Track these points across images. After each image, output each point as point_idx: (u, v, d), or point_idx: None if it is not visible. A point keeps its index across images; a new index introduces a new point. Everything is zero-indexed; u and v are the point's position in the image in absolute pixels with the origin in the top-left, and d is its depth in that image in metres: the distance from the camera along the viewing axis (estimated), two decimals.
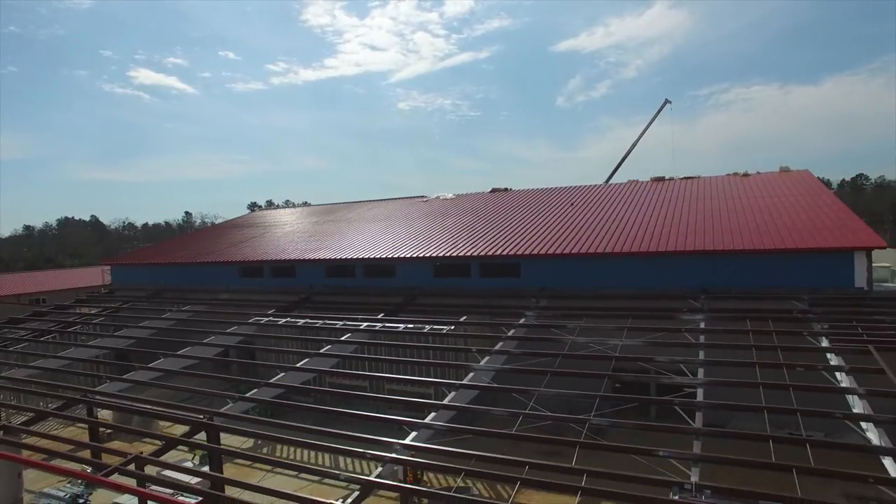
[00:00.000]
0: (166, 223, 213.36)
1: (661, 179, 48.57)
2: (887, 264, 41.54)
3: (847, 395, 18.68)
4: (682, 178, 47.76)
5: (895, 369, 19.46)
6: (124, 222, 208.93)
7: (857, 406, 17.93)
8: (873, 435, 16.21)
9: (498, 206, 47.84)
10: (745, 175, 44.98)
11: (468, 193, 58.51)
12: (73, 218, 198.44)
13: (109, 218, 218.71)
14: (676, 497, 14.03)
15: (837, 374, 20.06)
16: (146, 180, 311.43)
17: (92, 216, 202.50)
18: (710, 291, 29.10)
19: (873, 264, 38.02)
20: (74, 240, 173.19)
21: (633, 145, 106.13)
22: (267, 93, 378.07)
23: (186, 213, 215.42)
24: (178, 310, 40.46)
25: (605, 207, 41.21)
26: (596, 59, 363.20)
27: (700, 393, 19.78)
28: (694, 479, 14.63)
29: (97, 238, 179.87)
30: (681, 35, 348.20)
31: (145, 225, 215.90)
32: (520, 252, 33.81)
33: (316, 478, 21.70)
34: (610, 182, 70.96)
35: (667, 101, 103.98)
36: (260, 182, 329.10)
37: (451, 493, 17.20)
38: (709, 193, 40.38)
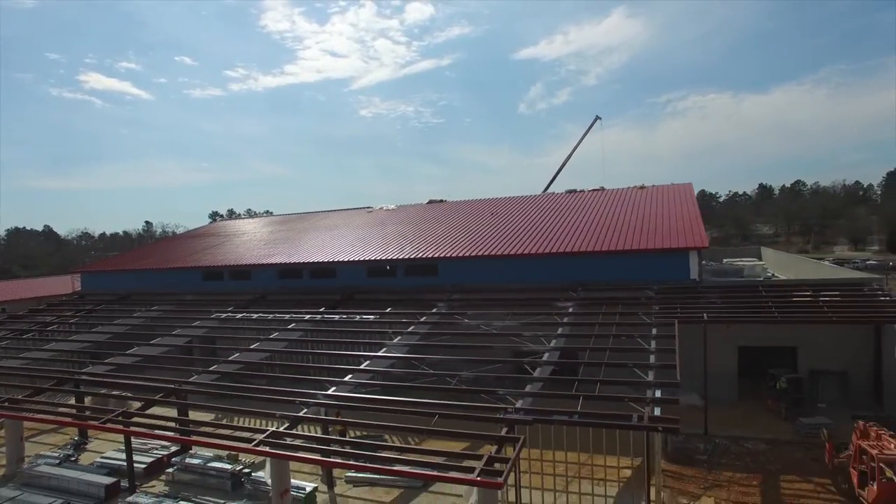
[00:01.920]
0: (125, 233, 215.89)
1: (573, 191, 57.26)
2: (763, 263, 50.59)
3: (650, 353, 26.30)
4: (590, 190, 56.49)
5: (686, 335, 28.57)
6: (81, 232, 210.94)
7: (651, 359, 25.66)
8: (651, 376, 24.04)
9: (430, 216, 56.76)
10: (642, 187, 53.86)
11: (407, 205, 67.34)
12: (24, 228, 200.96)
13: (63, 228, 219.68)
14: (501, 416, 21.61)
15: (653, 341, 27.71)
16: (101, 189, 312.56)
17: (45, 226, 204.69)
18: (585, 284, 37.62)
19: (761, 263, 47.58)
20: (28, 250, 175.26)
21: (568, 158, 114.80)
22: (226, 99, 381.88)
23: (147, 222, 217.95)
24: (147, 310, 47.67)
25: (519, 216, 50.28)
26: (556, 66, 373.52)
27: (545, 355, 27.77)
28: (517, 405, 22.37)
29: (53, 248, 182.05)
30: (639, 44, 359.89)
31: (103, 235, 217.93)
32: (438, 255, 42.46)
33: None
34: (547, 192, 79.55)
35: (597, 118, 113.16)
36: (221, 190, 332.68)
37: (359, 421, 24.35)
38: (605, 203, 49.87)
